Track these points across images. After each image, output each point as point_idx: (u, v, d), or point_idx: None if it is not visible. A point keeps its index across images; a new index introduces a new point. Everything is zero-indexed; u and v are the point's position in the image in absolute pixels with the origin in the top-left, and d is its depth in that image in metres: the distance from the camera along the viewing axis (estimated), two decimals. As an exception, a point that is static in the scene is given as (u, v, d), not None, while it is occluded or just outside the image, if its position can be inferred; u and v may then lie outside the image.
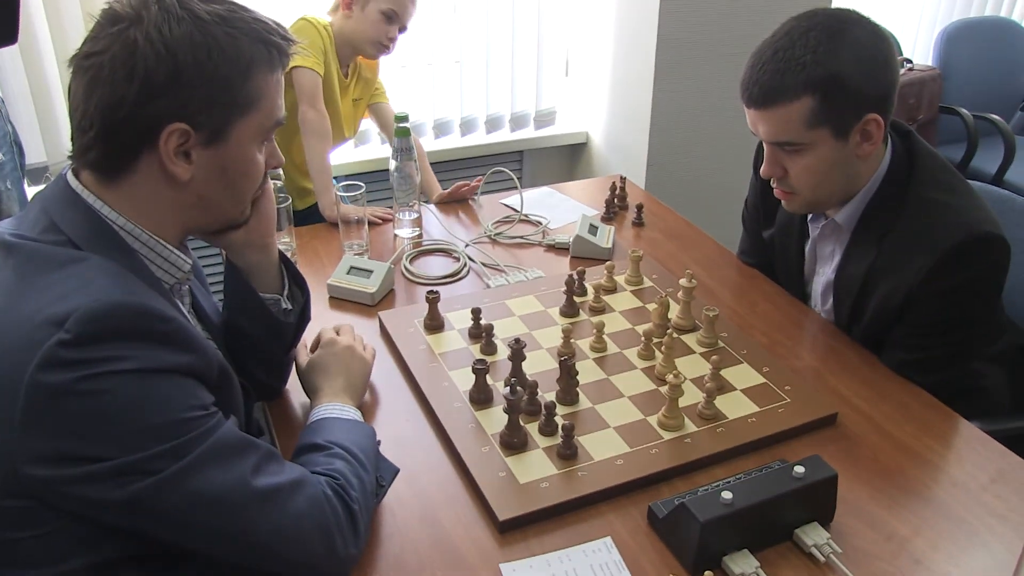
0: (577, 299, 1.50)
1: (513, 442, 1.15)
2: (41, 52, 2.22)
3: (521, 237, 1.82)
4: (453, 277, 1.66)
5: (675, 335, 1.37)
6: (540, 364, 1.33)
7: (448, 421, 1.20)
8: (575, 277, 1.49)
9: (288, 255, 1.23)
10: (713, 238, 1.83)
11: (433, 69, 2.77)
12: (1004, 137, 3.08)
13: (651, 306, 1.49)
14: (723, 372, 1.30)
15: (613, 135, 2.91)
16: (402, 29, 2.03)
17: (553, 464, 1.13)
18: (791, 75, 1.24)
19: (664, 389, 1.21)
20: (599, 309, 1.50)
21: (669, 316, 1.44)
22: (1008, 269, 1.30)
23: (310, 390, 1.20)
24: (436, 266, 1.70)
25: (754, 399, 1.26)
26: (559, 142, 3.06)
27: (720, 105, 2.69)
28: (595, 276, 1.58)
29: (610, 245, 1.73)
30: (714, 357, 1.26)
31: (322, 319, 1.31)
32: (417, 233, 1.82)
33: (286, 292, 1.20)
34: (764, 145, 1.35)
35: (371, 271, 1.56)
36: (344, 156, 2.69)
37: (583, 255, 1.73)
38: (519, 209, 1.92)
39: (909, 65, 3.26)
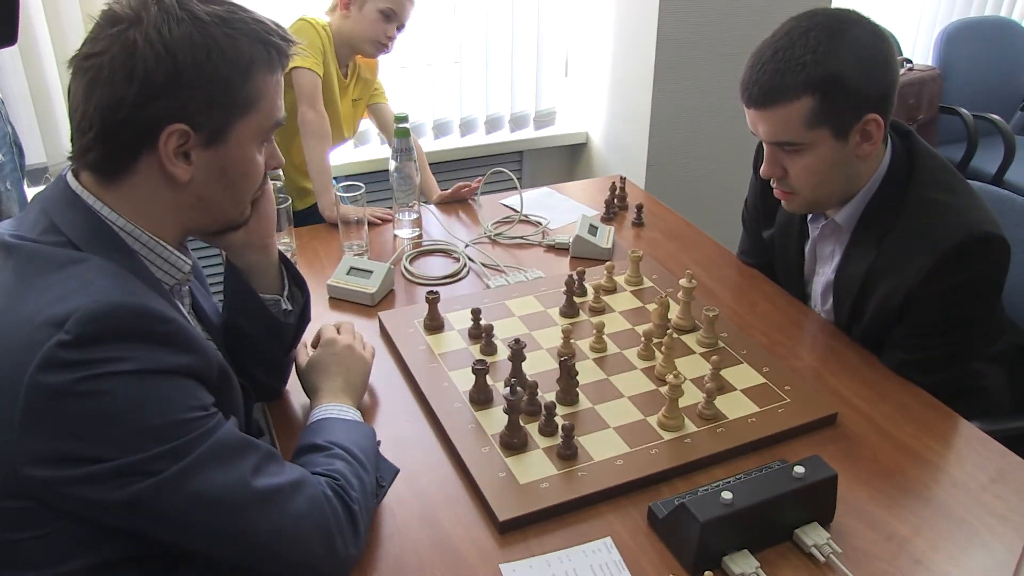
0: (577, 299, 1.50)
1: (513, 442, 1.15)
2: (41, 53, 2.22)
3: (521, 237, 1.82)
4: (453, 277, 1.66)
5: (675, 335, 1.37)
6: (540, 364, 1.33)
7: (448, 421, 1.20)
8: (575, 277, 1.49)
9: (288, 256, 1.23)
10: (713, 238, 1.83)
11: (433, 69, 2.77)
12: (1004, 137, 3.08)
13: (651, 306, 1.49)
14: (723, 372, 1.30)
15: (613, 135, 2.91)
16: (401, 27, 2.03)
17: (553, 464, 1.13)
18: (791, 75, 1.24)
19: (664, 389, 1.21)
20: (599, 309, 1.50)
21: (669, 316, 1.44)
22: (1008, 269, 1.30)
23: (310, 390, 1.20)
24: (436, 266, 1.71)
25: (754, 399, 1.26)
26: (559, 142, 3.06)
27: (720, 105, 2.69)
28: (595, 276, 1.58)
29: (610, 245, 1.73)
30: (714, 357, 1.26)
31: (322, 320, 1.31)
32: (417, 233, 1.82)
33: (286, 293, 1.20)
34: (764, 145, 1.35)
35: (371, 271, 1.56)
36: (344, 156, 2.69)
37: (583, 255, 1.73)
38: (519, 209, 1.92)
39: (909, 65, 3.26)
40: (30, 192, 2.05)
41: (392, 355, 1.39)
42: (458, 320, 1.44)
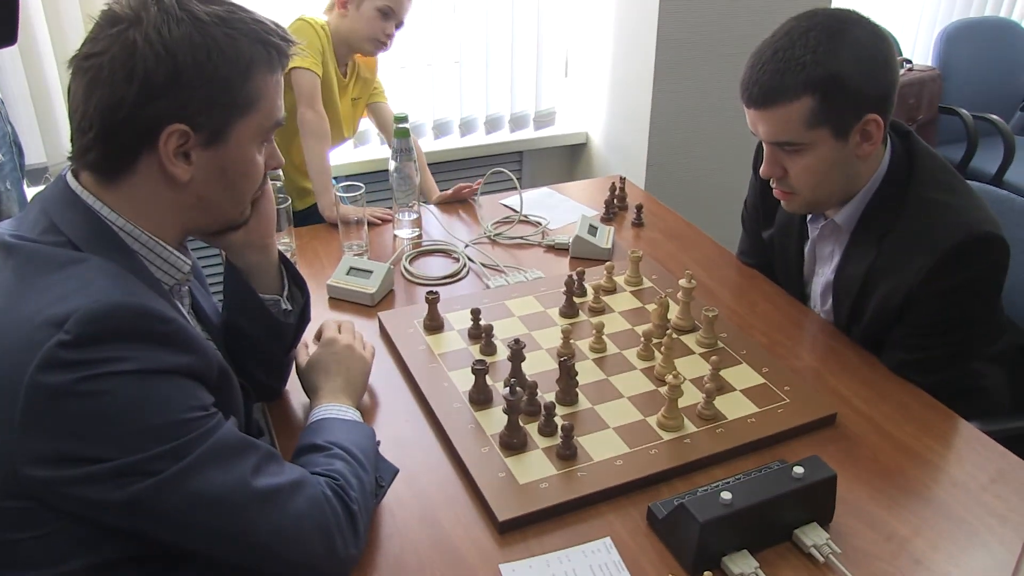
0: (577, 300, 1.50)
1: (513, 442, 1.15)
2: (41, 53, 2.22)
3: (521, 238, 1.82)
4: (453, 278, 1.66)
5: (674, 335, 1.37)
6: (540, 365, 1.33)
7: (448, 422, 1.20)
8: (575, 278, 1.49)
9: (288, 256, 1.23)
10: (713, 238, 1.84)
11: (432, 69, 2.77)
12: (1004, 137, 3.08)
13: (651, 306, 1.50)
14: (722, 372, 1.30)
15: (613, 135, 2.91)
16: (399, 25, 2.02)
17: (553, 464, 1.13)
18: (791, 75, 1.24)
19: (664, 389, 1.21)
20: (599, 310, 1.50)
21: (669, 316, 1.44)
22: (1008, 269, 1.30)
23: (309, 390, 1.20)
24: (436, 267, 1.71)
25: (753, 399, 1.26)
26: (559, 142, 3.06)
27: (720, 105, 2.69)
28: (595, 277, 1.58)
29: (610, 246, 1.74)
30: (713, 358, 1.26)
31: (322, 320, 1.31)
32: (417, 234, 1.82)
33: (286, 293, 1.20)
34: (764, 145, 1.35)
35: (371, 272, 1.56)
36: (344, 156, 2.69)
37: (583, 256, 1.73)
38: (519, 210, 1.92)
39: (909, 65, 3.26)
40: (30, 192, 2.05)
41: (392, 355, 1.39)
42: (458, 320, 1.44)
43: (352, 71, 2.13)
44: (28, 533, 0.81)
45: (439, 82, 2.79)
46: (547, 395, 1.26)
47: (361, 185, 1.68)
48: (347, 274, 1.57)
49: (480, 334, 1.38)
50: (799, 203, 1.39)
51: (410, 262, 1.70)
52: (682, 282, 1.43)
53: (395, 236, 1.82)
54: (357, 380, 1.21)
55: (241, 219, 1.03)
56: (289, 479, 0.90)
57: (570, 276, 1.48)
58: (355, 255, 1.68)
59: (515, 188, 1.95)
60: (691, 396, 1.25)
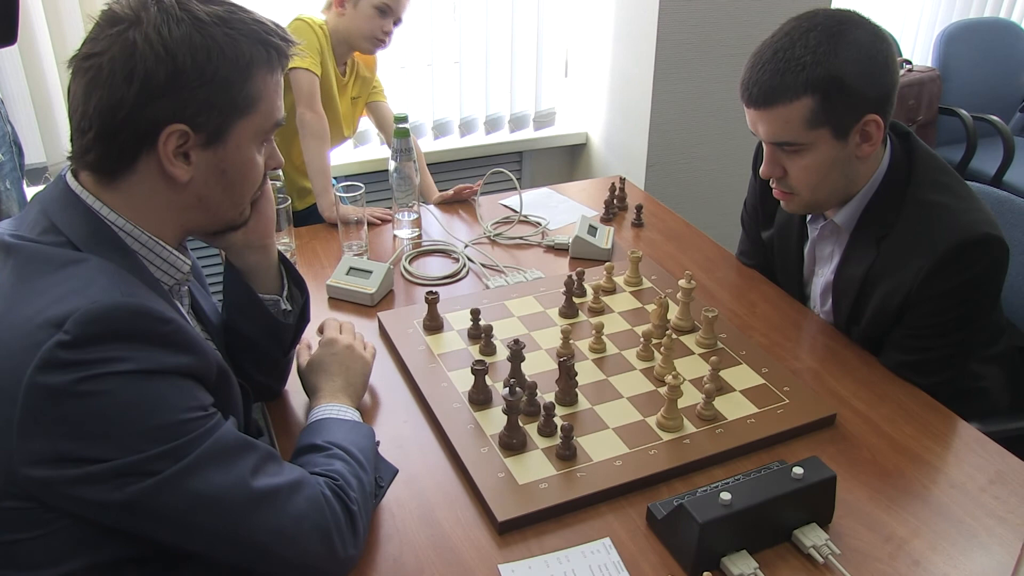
0: (576, 300, 1.50)
1: (512, 443, 1.15)
2: (40, 53, 2.22)
3: (520, 238, 1.82)
4: (452, 278, 1.66)
5: (674, 336, 1.37)
6: (539, 365, 1.34)
7: (447, 422, 1.21)
8: (574, 278, 1.49)
9: (288, 256, 1.23)
10: (712, 239, 1.84)
11: (432, 70, 2.77)
12: (1003, 138, 3.08)
13: (650, 307, 1.50)
14: (722, 373, 1.30)
15: (612, 136, 2.91)
16: (397, 22, 2.02)
17: (552, 465, 1.13)
18: (791, 75, 1.24)
19: (663, 390, 1.21)
20: (598, 310, 1.50)
21: (668, 317, 1.44)
22: (1007, 270, 1.30)
23: (309, 390, 1.20)
24: (435, 267, 1.71)
25: (753, 400, 1.26)
26: (558, 143, 3.06)
27: (720, 105, 2.69)
28: (594, 277, 1.58)
29: (609, 246, 1.74)
30: (713, 358, 1.26)
31: (322, 320, 1.31)
32: (416, 234, 1.82)
33: (285, 293, 1.20)
34: (764, 145, 1.35)
35: (370, 272, 1.57)
36: (343, 156, 2.69)
37: (582, 256, 1.73)
38: (518, 210, 1.92)
39: (908, 66, 3.26)
40: (29, 192, 2.05)
41: (391, 355, 1.39)
42: (457, 320, 1.44)
43: (351, 70, 2.12)
44: (28, 533, 0.81)
45: (439, 82, 2.79)
46: (547, 395, 1.26)
47: (361, 185, 1.68)
48: (347, 274, 1.57)
49: (480, 334, 1.38)
50: (799, 203, 1.39)
51: (410, 262, 1.70)
52: (682, 283, 1.43)
53: (395, 236, 1.82)
54: (357, 381, 1.21)
55: (241, 219, 1.03)
56: (288, 479, 0.90)
57: (570, 276, 1.48)
58: (355, 255, 1.68)
59: (515, 188, 1.95)
60: (691, 397, 1.25)
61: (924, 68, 3.29)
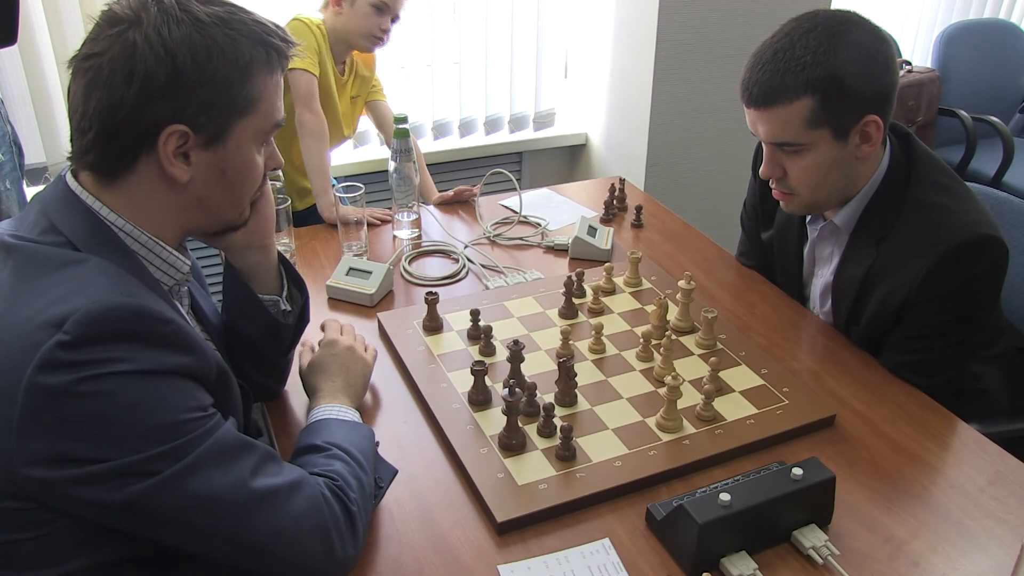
0: (576, 300, 1.50)
1: (512, 443, 1.15)
2: (40, 53, 2.22)
3: (520, 239, 1.82)
4: (452, 278, 1.66)
5: (674, 337, 1.37)
6: (539, 365, 1.34)
7: (447, 422, 1.21)
8: (574, 279, 1.49)
9: (287, 256, 1.23)
10: (712, 240, 1.84)
11: (432, 70, 2.77)
12: (1003, 139, 3.08)
13: (650, 308, 1.50)
14: (721, 374, 1.30)
15: (612, 136, 2.91)
16: (395, 19, 2.02)
17: (552, 465, 1.13)
18: (791, 75, 1.24)
19: (663, 391, 1.21)
20: (598, 311, 1.50)
21: (668, 318, 1.44)
22: (1006, 271, 1.30)
23: (309, 391, 1.20)
24: (435, 267, 1.71)
25: (752, 401, 1.26)
26: (558, 143, 3.06)
27: (720, 106, 2.69)
28: (594, 278, 1.58)
29: (609, 247, 1.74)
30: (712, 359, 1.26)
31: (321, 320, 1.31)
32: (416, 234, 1.82)
33: (285, 293, 1.20)
34: (763, 146, 1.35)
35: (370, 272, 1.57)
36: (343, 157, 2.69)
37: (582, 256, 1.73)
38: (518, 211, 1.92)
39: (908, 67, 3.27)
40: (29, 192, 2.05)
41: (391, 356, 1.39)
42: (457, 321, 1.44)
43: (350, 69, 2.12)
44: (28, 533, 0.81)
45: (439, 83, 2.79)
46: (546, 396, 1.26)
47: (361, 186, 1.68)
48: (346, 274, 1.57)
49: (479, 335, 1.38)
50: (798, 204, 1.39)
51: (409, 263, 1.70)
52: (681, 283, 1.43)
53: (394, 237, 1.82)
54: (357, 381, 1.21)
55: (240, 220, 1.03)
56: (288, 480, 0.90)
57: (569, 277, 1.48)
58: (355, 255, 1.68)
59: (515, 189, 1.95)
60: (690, 397, 1.25)
61: (924, 69, 3.29)
